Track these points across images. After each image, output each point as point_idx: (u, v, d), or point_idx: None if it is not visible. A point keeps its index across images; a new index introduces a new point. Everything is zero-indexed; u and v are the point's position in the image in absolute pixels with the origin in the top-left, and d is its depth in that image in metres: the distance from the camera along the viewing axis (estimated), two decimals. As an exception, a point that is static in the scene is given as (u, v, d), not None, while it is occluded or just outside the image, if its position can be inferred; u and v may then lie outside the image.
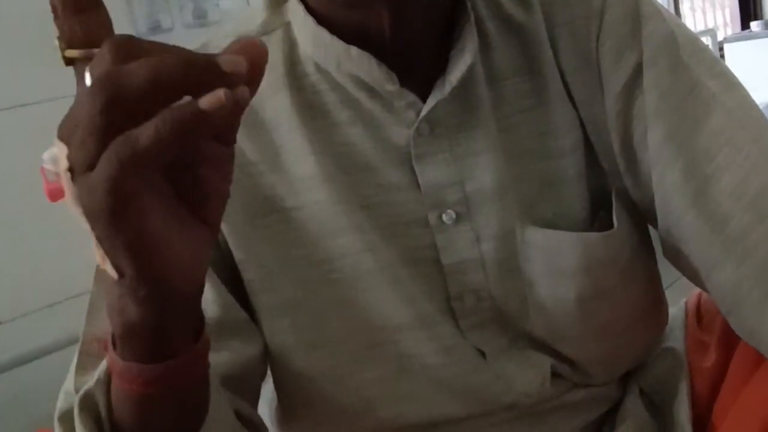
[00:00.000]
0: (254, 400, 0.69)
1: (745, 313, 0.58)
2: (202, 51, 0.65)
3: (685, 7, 4.06)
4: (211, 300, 0.63)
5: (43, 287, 1.41)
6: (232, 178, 0.43)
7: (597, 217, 0.65)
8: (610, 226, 0.63)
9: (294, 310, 0.64)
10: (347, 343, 0.64)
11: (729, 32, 4.24)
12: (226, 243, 0.64)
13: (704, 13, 4.32)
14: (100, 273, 0.64)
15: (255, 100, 0.63)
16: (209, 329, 0.62)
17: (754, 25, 3.56)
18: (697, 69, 0.62)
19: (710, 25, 4.24)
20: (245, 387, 0.66)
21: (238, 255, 0.63)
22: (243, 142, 0.64)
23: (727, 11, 4.43)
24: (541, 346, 0.66)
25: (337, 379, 0.64)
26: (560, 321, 0.64)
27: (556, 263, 0.63)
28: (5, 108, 1.40)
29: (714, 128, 0.60)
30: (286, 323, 0.64)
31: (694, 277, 0.63)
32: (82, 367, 0.62)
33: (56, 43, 0.40)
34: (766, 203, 0.57)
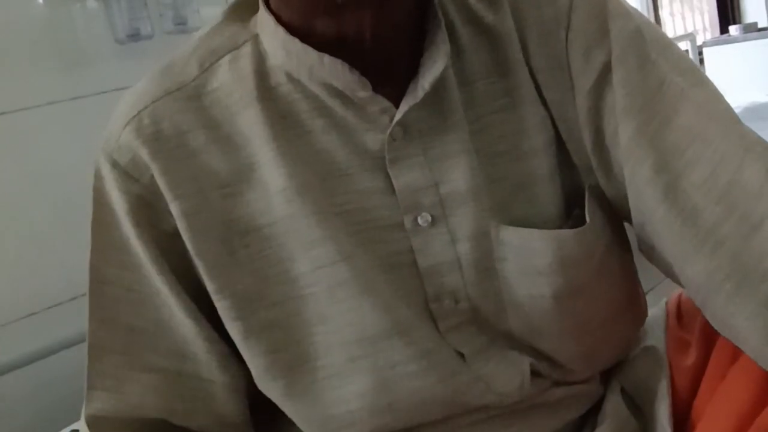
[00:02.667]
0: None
1: (718, 305, 0.58)
2: (167, 72, 0.66)
3: (664, 12, 4.09)
4: (196, 333, 0.65)
5: (20, 298, 1.40)
6: None
7: (571, 215, 0.66)
8: (584, 223, 0.64)
9: (271, 332, 0.64)
10: (326, 358, 0.63)
11: (708, 36, 4.28)
12: (200, 277, 0.64)
13: (683, 17, 4.35)
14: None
15: (226, 116, 0.64)
16: (198, 362, 0.66)
17: (733, 29, 3.59)
18: (665, 65, 0.62)
19: (689, 30, 4.27)
20: (245, 416, 0.69)
21: (212, 286, 0.63)
22: (217, 162, 0.63)
23: (706, 16, 4.47)
24: (520, 345, 0.66)
25: (317, 395, 0.64)
26: (537, 319, 0.64)
27: (530, 262, 0.63)
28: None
29: (683, 123, 0.60)
30: (263, 345, 0.64)
31: (669, 271, 0.63)
32: (93, 401, 0.66)
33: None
34: (735, 196, 0.58)
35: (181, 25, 1.51)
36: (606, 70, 0.63)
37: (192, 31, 1.53)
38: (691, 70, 0.63)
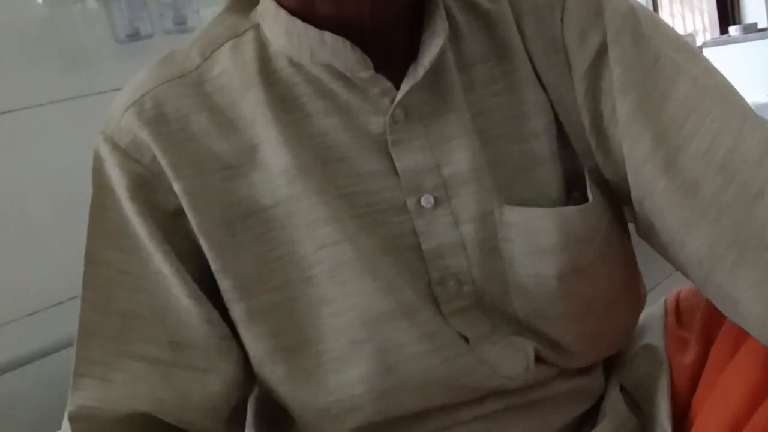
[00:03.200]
0: (243, 424, 0.70)
1: (721, 276, 0.58)
2: (168, 62, 0.66)
3: (664, 12, 4.09)
4: (197, 316, 0.64)
5: (21, 296, 1.40)
6: None
7: (571, 197, 0.66)
8: (585, 203, 0.64)
9: (274, 315, 0.64)
10: (329, 342, 0.63)
11: (708, 37, 4.28)
12: (205, 257, 0.64)
13: (683, 18, 4.35)
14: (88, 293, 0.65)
15: (227, 101, 0.64)
16: (196, 349, 0.64)
17: (733, 30, 3.59)
18: (659, 42, 0.63)
19: (689, 30, 4.27)
20: (237, 413, 0.68)
21: (215, 266, 0.63)
22: (219, 145, 0.64)
23: (706, 16, 4.46)
24: (524, 330, 0.66)
25: (321, 380, 0.64)
26: (542, 299, 0.65)
27: (535, 241, 0.63)
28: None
29: (680, 96, 0.61)
30: (265, 328, 0.64)
31: (668, 251, 0.63)
32: (80, 389, 0.64)
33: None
34: (735, 165, 0.58)
35: (181, 24, 1.51)
36: (602, 51, 0.64)
37: (191, 30, 1.53)
38: (684, 46, 0.64)
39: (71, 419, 0.64)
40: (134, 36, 1.46)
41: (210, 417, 0.66)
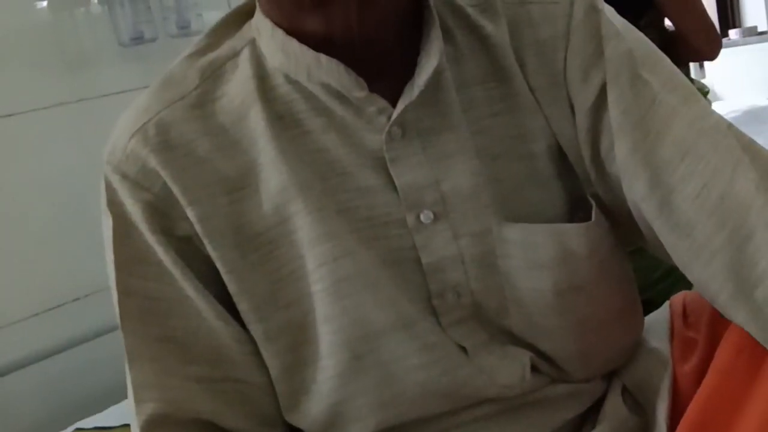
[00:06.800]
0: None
1: (719, 307, 0.61)
2: (166, 86, 0.66)
3: (664, 16, 4.10)
4: (228, 336, 0.65)
5: (26, 298, 1.41)
6: None
7: (575, 217, 0.67)
8: (588, 221, 0.65)
9: (285, 333, 0.65)
10: (332, 357, 0.64)
11: (708, 40, 4.28)
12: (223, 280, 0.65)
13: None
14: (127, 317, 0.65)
15: (230, 121, 0.65)
16: (234, 364, 0.65)
17: (733, 33, 3.61)
18: (656, 84, 0.65)
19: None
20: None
21: (231, 289, 0.64)
22: (225, 167, 0.64)
23: (706, 19, 4.47)
24: (520, 341, 0.67)
25: (323, 395, 0.65)
26: (538, 314, 0.66)
27: (533, 256, 0.64)
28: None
29: (675, 139, 0.62)
30: (280, 347, 0.65)
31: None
32: (144, 406, 0.64)
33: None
34: (728, 208, 0.60)
35: (184, 28, 1.52)
36: (602, 91, 0.65)
37: (194, 34, 1.54)
38: (681, 87, 0.66)
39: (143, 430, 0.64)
40: (138, 39, 1.47)
41: (260, 423, 0.67)
